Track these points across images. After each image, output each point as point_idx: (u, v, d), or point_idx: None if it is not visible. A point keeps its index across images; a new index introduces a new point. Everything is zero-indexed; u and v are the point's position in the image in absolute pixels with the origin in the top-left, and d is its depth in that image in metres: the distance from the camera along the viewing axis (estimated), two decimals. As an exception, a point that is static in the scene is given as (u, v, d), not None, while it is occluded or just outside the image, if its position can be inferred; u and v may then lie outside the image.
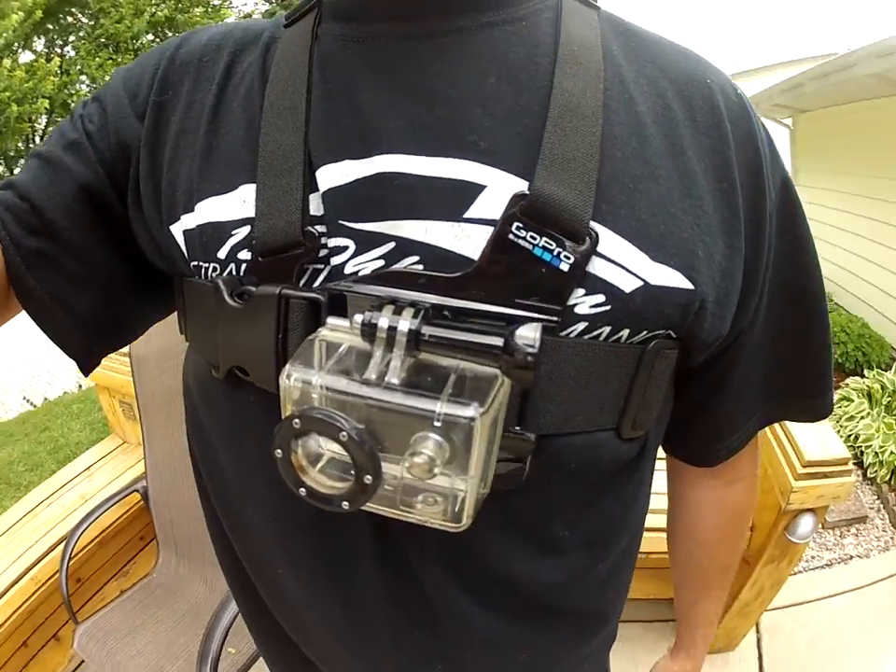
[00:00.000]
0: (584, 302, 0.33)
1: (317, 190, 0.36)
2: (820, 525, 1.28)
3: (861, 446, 2.50)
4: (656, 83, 0.37)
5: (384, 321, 0.30)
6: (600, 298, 0.33)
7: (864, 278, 3.50)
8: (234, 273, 0.37)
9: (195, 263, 0.39)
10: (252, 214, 0.36)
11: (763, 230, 0.39)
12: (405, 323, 0.30)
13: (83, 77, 10.40)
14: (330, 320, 0.33)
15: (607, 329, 0.34)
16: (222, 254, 0.37)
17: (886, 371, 2.91)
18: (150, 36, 10.26)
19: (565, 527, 0.43)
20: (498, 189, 0.33)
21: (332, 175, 0.35)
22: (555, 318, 0.33)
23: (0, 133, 8.63)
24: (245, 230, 0.37)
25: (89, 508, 1.47)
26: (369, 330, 0.30)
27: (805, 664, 1.72)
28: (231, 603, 1.09)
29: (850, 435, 2.55)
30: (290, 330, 0.35)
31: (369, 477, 0.29)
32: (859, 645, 1.80)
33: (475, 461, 0.30)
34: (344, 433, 0.28)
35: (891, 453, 2.39)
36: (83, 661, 1.40)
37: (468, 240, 0.33)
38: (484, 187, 0.33)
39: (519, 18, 0.37)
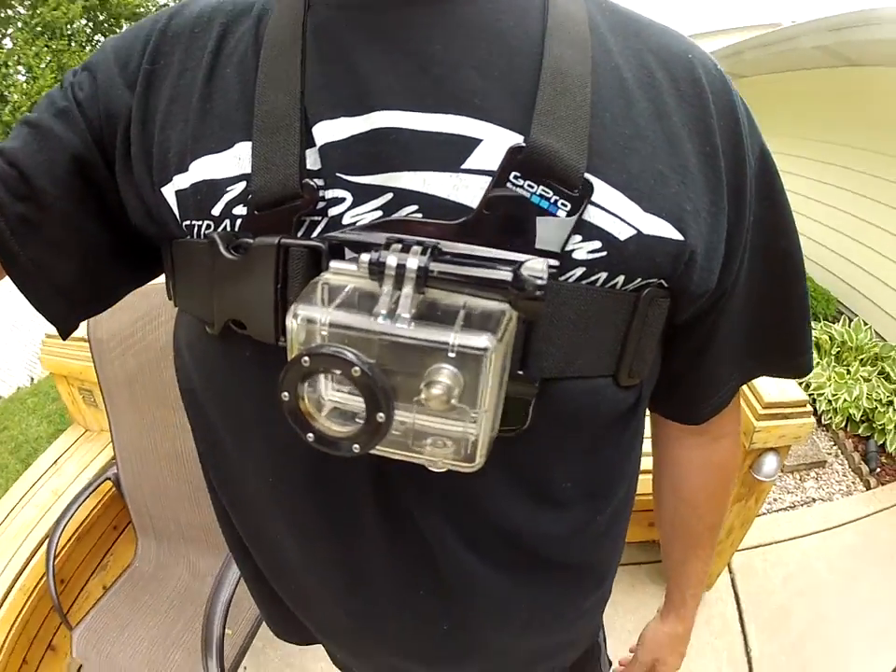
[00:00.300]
0: (582, 248, 0.35)
1: (314, 146, 0.36)
2: (780, 469, 1.34)
3: (813, 394, 2.64)
4: (640, 55, 0.39)
5: (392, 259, 0.30)
6: (597, 244, 0.35)
7: (809, 236, 3.66)
8: (229, 228, 0.37)
9: (188, 223, 0.39)
10: (247, 170, 0.36)
11: (744, 194, 0.40)
12: (414, 260, 0.30)
13: (20, 68, 9.97)
14: (333, 263, 0.32)
15: (603, 275, 0.36)
16: (216, 210, 0.37)
17: (833, 323, 3.06)
18: (84, 21, 9.76)
19: (566, 478, 0.43)
20: (494, 142, 0.34)
21: (329, 130, 0.36)
22: (555, 262, 0.34)
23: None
24: (241, 186, 0.37)
25: (64, 503, 1.41)
26: (377, 269, 0.30)
27: (782, 601, 1.82)
28: (225, 585, 1.07)
29: (801, 384, 2.68)
30: (290, 279, 0.35)
31: (381, 415, 0.29)
32: (831, 583, 1.90)
33: (489, 393, 0.29)
34: (357, 368, 0.27)
35: (844, 400, 2.54)
36: (80, 666, 1.35)
37: (466, 189, 0.34)
38: (480, 140, 0.34)
39: None
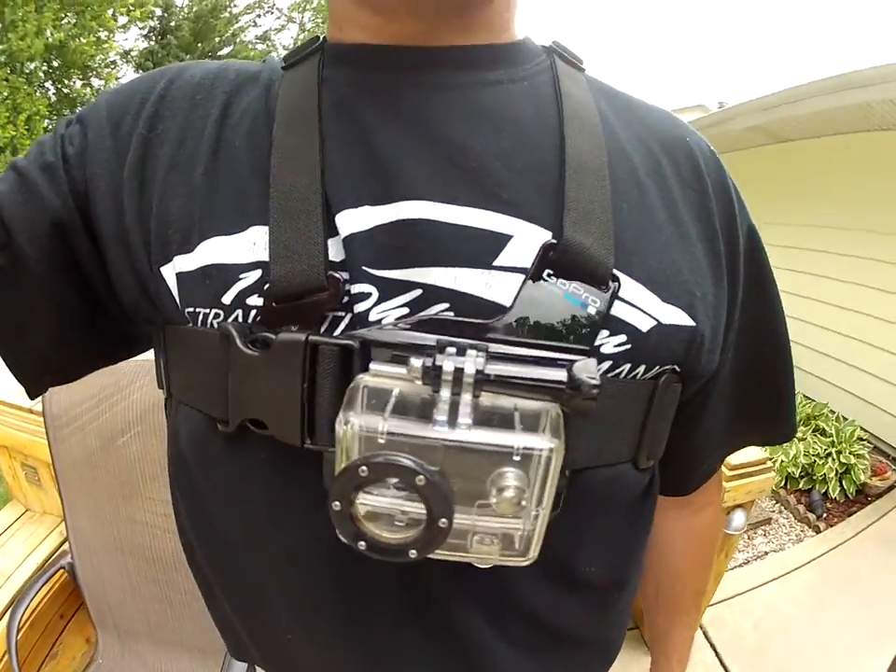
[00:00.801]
0: (609, 342, 0.35)
1: (336, 235, 0.34)
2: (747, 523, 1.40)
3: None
4: (645, 142, 0.40)
5: (449, 364, 0.29)
6: (622, 338, 0.35)
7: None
8: (241, 319, 0.34)
9: (190, 309, 0.35)
10: (263, 257, 0.34)
11: (737, 272, 0.42)
12: (471, 364, 0.29)
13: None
14: (374, 366, 0.31)
15: (627, 367, 0.36)
16: (227, 299, 0.34)
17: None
18: (40, 61, 9.53)
19: (588, 562, 0.43)
20: (524, 238, 0.34)
21: (353, 219, 0.34)
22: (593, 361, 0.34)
23: None
24: (255, 274, 0.34)
25: (13, 587, 1.22)
26: (433, 373, 0.29)
27: (756, 642, 1.87)
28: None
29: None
30: (319, 379, 0.32)
31: (444, 521, 0.28)
32: (798, 618, 1.98)
33: (550, 491, 0.29)
34: (421, 477, 0.26)
35: (782, 461, 2.68)
36: None
37: (498, 287, 0.33)
38: (511, 236, 0.34)
39: (521, 78, 0.39)
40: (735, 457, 1.28)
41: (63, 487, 1.22)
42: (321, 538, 0.36)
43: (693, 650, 1.68)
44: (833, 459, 2.58)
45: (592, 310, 0.34)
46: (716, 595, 1.88)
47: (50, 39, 9.01)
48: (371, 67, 0.38)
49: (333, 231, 0.34)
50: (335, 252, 0.34)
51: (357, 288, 0.33)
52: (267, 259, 0.33)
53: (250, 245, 0.34)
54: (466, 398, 0.29)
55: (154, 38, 11.44)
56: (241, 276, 0.34)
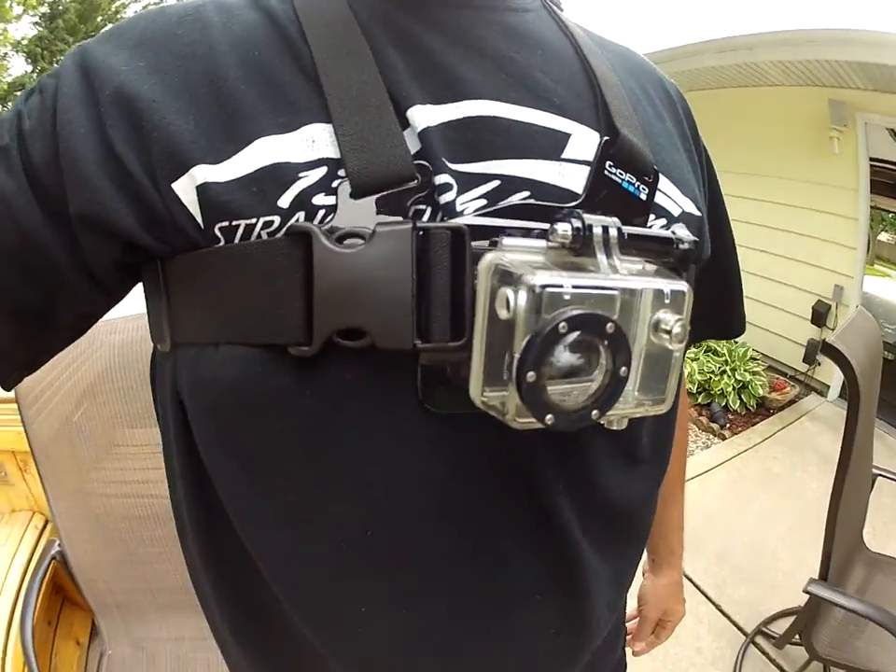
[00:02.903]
0: (655, 224, 0.39)
1: (408, 129, 0.33)
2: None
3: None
4: (630, 70, 0.45)
5: (597, 225, 0.31)
6: (663, 221, 0.40)
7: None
8: (303, 221, 0.31)
9: (224, 224, 0.31)
10: (328, 154, 0.32)
11: (705, 179, 0.49)
12: (613, 227, 0.31)
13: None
14: (507, 240, 0.31)
15: None
16: (285, 201, 0.31)
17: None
18: None
19: (644, 434, 0.45)
20: (580, 136, 0.37)
21: (423, 115, 0.33)
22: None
23: None
24: (320, 171, 0.31)
25: (6, 605, 1.06)
26: (584, 235, 0.30)
27: (687, 531, 2.03)
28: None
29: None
30: (434, 268, 0.31)
31: (625, 369, 0.29)
32: (726, 510, 2.21)
33: (686, 331, 0.31)
34: (611, 324, 0.27)
35: (687, 374, 2.93)
36: None
37: (569, 176, 0.36)
38: (570, 134, 0.37)
39: (531, 9, 0.42)
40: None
41: (42, 470, 1.10)
42: (416, 466, 0.35)
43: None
44: (729, 376, 2.90)
45: (643, 196, 0.38)
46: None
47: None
48: None
49: (404, 126, 0.33)
50: (410, 145, 0.32)
51: (439, 180, 0.33)
52: (332, 155, 0.31)
53: (307, 143, 0.32)
54: (615, 255, 0.30)
55: (43, 24, 10.52)
56: (300, 175, 0.31)
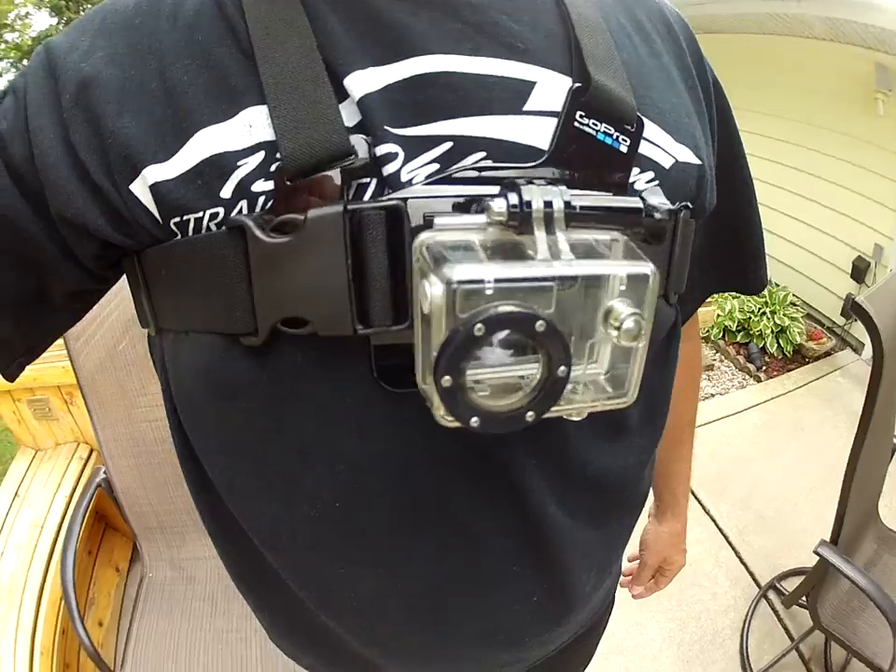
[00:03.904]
0: (640, 179, 0.35)
1: (347, 99, 0.30)
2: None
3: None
4: (623, 1, 0.40)
5: (538, 199, 0.25)
6: (650, 174, 0.35)
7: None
8: (247, 211, 0.30)
9: (176, 219, 0.31)
10: (265, 137, 0.30)
11: (713, 121, 0.43)
12: (559, 198, 0.26)
13: None
14: (440, 220, 0.27)
15: None
16: (227, 192, 0.30)
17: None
18: None
19: (634, 406, 0.41)
20: (548, 84, 0.33)
21: (363, 81, 0.30)
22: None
23: None
24: (258, 156, 0.30)
25: (49, 537, 1.15)
26: (522, 212, 0.25)
27: (717, 471, 2.05)
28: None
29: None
30: (368, 250, 0.29)
31: (563, 369, 0.25)
32: (755, 454, 2.17)
33: (650, 320, 0.27)
34: (541, 322, 0.23)
35: (718, 315, 2.83)
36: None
37: (532, 130, 0.32)
38: (535, 83, 0.33)
39: None
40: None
41: (89, 401, 1.17)
42: (377, 441, 0.35)
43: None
44: (768, 318, 2.76)
45: (623, 148, 0.33)
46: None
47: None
48: None
49: (342, 97, 0.30)
50: (349, 116, 0.30)
51: (381, 150, 0.30)
52: (269, 138, 0.29)
53: (245, 128, 0.30)
54: (559, 233, 0.25)
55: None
56: (239, 163, 0.30)
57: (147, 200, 0.31)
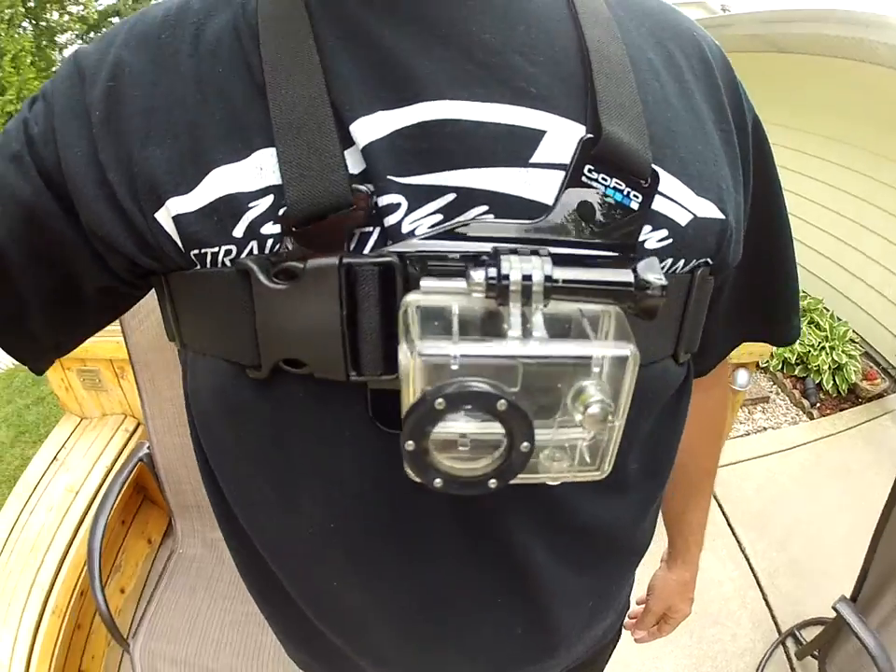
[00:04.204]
0: (652, 238, 0.33)
1: (352, 146, 0.30)
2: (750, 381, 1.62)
3: (752, 343, 2.81)
4: (655, 33, 0.37)
5: (515, 272, 0.25)
6: (664, 232, 0.33)
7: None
8: (257, 251, 0.31)
9: (196, 251, 0.32)
10: (274, 181, 0.30)
11: (748, 165, 0.40)
12: (538, 271, 0.25)
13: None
14: (426, 282, 0.27)
15: (669, 261, 0.34)
16: (239, 232, 0.31)
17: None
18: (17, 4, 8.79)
19: (633, 461, 0.41)
20: (558, 134, 0.31)
21: (369, 127, 0.30)
22: (634, 255, 0.32)
23: None
24: (268, 200, 0.30)
25: (83, 502, 1.19)
26: (499, 285, 0.25)
27: (759, 507, 2.00)
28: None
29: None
30: (361, 304, 0.30)
31: (526, 445, 0.25)
32: (797, 493, 2.10)
33: (627, 400, 0.26)
34: (503, 401, 0.23)
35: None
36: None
37: (538, 185, 0.31)
38: (544, 132, 0.31)
39: None
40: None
41: (139, 376, 1.21)
42: (371, 473, 0.35)
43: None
44: (827, 353, 2.62)
45: (634, 205, 0.31)
46: (721, 460, 1.96)
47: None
48: None
49: (348, 143, 0.30)
50: (354, 164, 0.30)
51: (384, 200, 0.30)
52: (278, 182, 0.30)
53: (257, 170, 0.30)
54: (536, 308, 0.25)
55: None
56: (250, 205, 0.30)
57: (170, 229, 0.32)
